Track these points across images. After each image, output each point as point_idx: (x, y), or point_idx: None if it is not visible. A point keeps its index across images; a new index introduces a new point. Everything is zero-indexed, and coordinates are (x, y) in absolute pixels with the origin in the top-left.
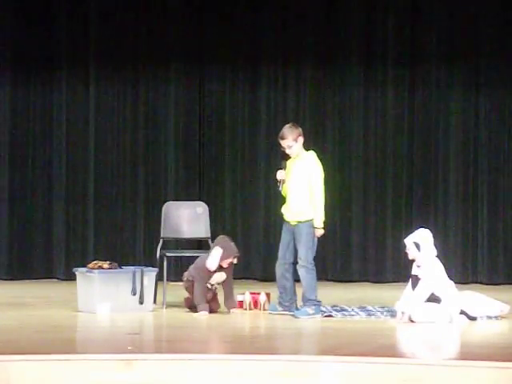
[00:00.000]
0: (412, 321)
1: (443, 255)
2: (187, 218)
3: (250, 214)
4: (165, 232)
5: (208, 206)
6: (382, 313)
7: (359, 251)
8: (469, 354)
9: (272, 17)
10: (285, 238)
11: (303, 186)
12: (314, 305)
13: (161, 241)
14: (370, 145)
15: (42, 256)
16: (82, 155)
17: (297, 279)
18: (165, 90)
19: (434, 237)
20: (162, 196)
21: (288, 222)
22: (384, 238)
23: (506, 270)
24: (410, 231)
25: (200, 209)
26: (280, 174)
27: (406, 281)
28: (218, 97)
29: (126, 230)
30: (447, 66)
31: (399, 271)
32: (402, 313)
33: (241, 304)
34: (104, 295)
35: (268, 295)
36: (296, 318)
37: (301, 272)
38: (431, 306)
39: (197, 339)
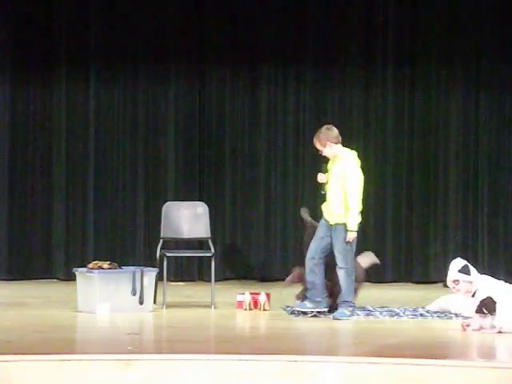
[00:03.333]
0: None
1: (443, 255)
2: (187, 218)
3: (249, 214)
4: (165, 232)
5: (208, 206)
6: (381, 313)
7: (359, 251)
8: (469, 353)
9: (272, 17)
10: (320, 232)
11: (340, 187)
12: (350, 306)
13: (161, 241)
14: (370, 145)
15: (42, 256)
16: (81, 155)
17: None
18: (165, 90)
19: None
20: (162, 196)
21: (327, 221)
22: (384, 237)
23: (507, 269)
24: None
25: (200, 209)
26: (320, 177)
27: (405, 281)
28: (218, 97)
29: (126, 230)
30: (447, 66)
31: (399, 271)
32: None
33: (241, 304)
34: (104, 295)
35: (268, 295)
36: (336, 319)
37: (340, 274)
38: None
39: (197, 339)
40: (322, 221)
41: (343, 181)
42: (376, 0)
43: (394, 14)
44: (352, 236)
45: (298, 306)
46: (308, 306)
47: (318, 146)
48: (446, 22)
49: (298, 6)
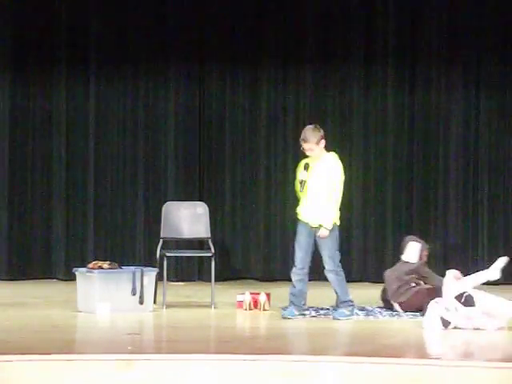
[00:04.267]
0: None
1: (443, 255)
2: (187, 218)
3: (250, 214)
4: (165, 232)
5: (208, 206)
6: (381, 313)
7: (359, 251)
8: (469, 353)
9: (272, 17)
10: (304, 240)
11: (324, 188)
12: (350, 305)
13: (161, 241)
14: (370, 145)
15: (42, 256)
16: (81, 155)
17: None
18: (165, 90)
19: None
20: (162, 196)
21: (306, 224)
22: (384, 237)
23: (507, 269)
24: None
25: (200, 209)
26: (302, 175)
27: None
28: (217, 97)
29: (126, 229)
30: (447, 66)
31: None
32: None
33: (241, 304)
34: (104, 295)
35: (268, 295)
36: (336, 319)
37: (330, 277)
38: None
39: (197, 339)
40: (302, 227)
41: (328, 180)
42: (376, 0)
43: (393, 14)
44: (323, 233)
45: (287, 314)
46: (296, 313)
47: (312, 144)
48: (446, 22)
49: (297, 6)
